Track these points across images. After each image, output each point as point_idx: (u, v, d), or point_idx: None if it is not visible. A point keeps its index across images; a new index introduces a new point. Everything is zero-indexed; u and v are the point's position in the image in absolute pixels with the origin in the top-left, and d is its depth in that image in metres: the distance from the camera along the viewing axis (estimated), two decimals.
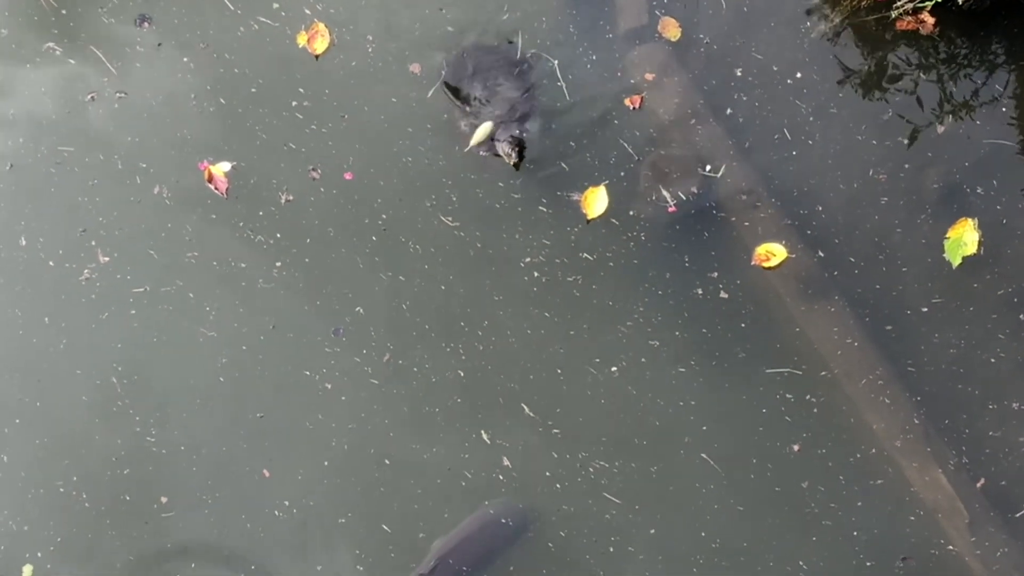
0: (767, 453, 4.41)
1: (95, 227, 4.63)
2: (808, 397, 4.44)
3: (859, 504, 4.34)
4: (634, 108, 4.82)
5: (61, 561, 4.32)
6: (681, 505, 4.38)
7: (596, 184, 4.66)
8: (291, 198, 4.66)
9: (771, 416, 4.43)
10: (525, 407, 4.44)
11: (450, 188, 4.70)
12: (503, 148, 4.79)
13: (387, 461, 4.39)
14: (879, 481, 4.36)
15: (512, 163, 4.75)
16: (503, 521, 4.37)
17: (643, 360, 4.50)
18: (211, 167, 4.65)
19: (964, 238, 4.58)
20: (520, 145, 4.76)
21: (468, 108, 4.83)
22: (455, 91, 4.82)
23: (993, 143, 4.70)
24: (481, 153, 4.72)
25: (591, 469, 4.38)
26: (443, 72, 4.84)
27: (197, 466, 4.41)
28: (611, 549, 4.32)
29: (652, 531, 4.33)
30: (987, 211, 4.62)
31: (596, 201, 4.66)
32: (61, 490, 4.38)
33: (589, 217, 4.63)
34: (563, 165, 4.73)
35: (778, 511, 4.36)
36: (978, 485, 4.32)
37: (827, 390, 4.46)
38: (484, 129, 4.71)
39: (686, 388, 4.47)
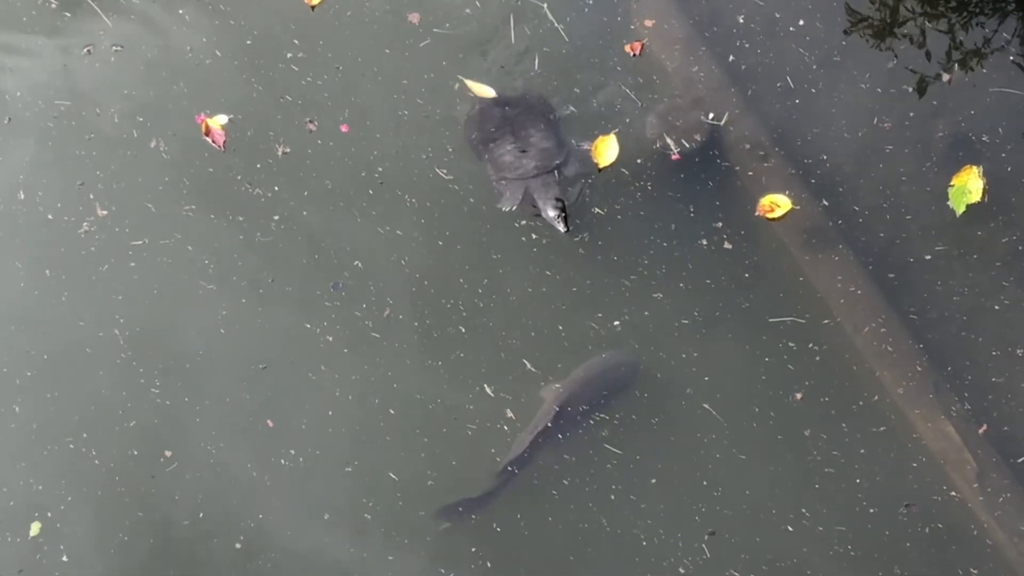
0: (769, 402, 4.48)
1: (93, 180, 4.72)
2: (811, 346, 4.51)
3: (862, 452, 4.42)
4: (635, 55, 4.88)
5: (70, 520, 4.40)
6: (682, 455, 4.47)
7: (605, 132, 4.73)
8: (288, 151, 4.75)
9: (773, 365, 4.51)
10: (527, 363, 4.52)
11: (446, 140, 4.77)
12: (548, 213, 4.69)
13: (391, 411, 4.48)
14: (882, 428, 4.44)
15: (562, 229, 4.65)
16: (618, 367, 4.51)
17: (646, 313, 4.58)
18: (208, 120, 4.73)
19: (969, 186, 4.64)
20: (564, 207, 4.66)
21: (500, 167, 4.76)
22: (481, 148, 4.79)
23: (1000, 91, 4.76)
24: (516, 215, 4.65)
25: (592, 421, 4.46)
26: (467, 129, 4.80)
27: (201, 417, 4.49)
28: (612, 497, 4.41)
29: (653, 480, 4.42)
30: (992, 159, 4.68)
31: (607, 149, 4.73)
32: (71, 447, 4.47)
33: (601, 166, 4.70)
34: (572, 109, 4.81)
35: (780, 459, 4.45)
36: (980, 431, 4.39)
37: (830, 338, 4.54)
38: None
39: (688, 340, 4.54)
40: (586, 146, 4.73)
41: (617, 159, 4.71)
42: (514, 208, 4.65)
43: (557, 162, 4.76)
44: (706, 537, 4.33)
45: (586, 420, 4.45)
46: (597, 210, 4.68)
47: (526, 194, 4.68)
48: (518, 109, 4.82)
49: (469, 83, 4.81)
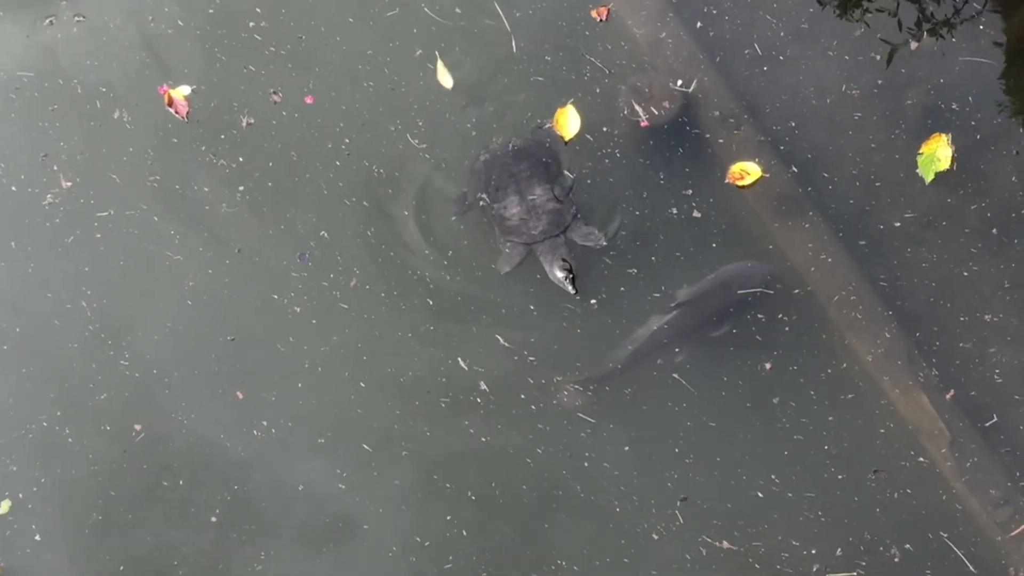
0: (738, 371, 4.59)
1: (56, 152, 4.76)
2: (780, 315, 4.62)
3: (830, 419, 4.54)
4: (601, 20, 4.94)
5: (41, 499, 4.46)
6: (654, 423, 4.57)
7: (563, 104, 4.78)
8: (252, 121, 4.80)
9: (742, 336, 4.61)
10: (499, 338, 4.61)
11: (416, 112, 4.82)
12: (555, 275, 4.66)
13: (362, 384, 4.56)
14: (850, 396, 4.56)
15: (571, 291, 4.63)
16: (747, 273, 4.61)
17: (622, 289, 4.67)
18: (171, 91, 4.78)
19: (938, 154, 4.74)
20: (571, 268, 4.63)
21: (505, 230, 4.69)
22: (484, 206, 4.72)
23: (969, 60, 4.86)
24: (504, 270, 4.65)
25: (565, 392, 4.57)
26: (470, 184, 4.75)
27: (170, 389, 4.57)
28: (586, 464, 4.51)
29: (626, 448, 4.53)
30: (962, 127, 4.79)
31: (568, 121, 4.79)
32: (45, 424, 4.52)
33: (566, 139, 4.77)
34: (539, 78, 4.86)
35: (749, 427, 4.56)
36: (948, 397, 4.52)
37: (799, 307, 4.65)
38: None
39: (659, 312, 4.62)
40: (547, 125, 4.78)
41: (582, 128, 4.76)
42: (511, 269, 4.63)
43: (564, 225, 4.70)
44: (678, 504, 4.45)
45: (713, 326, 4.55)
46: (567, 172, 4.77)
47: (530, 255, 4.73)
48: (523, 164, 4.73)
49: (439, 67, 4.86)
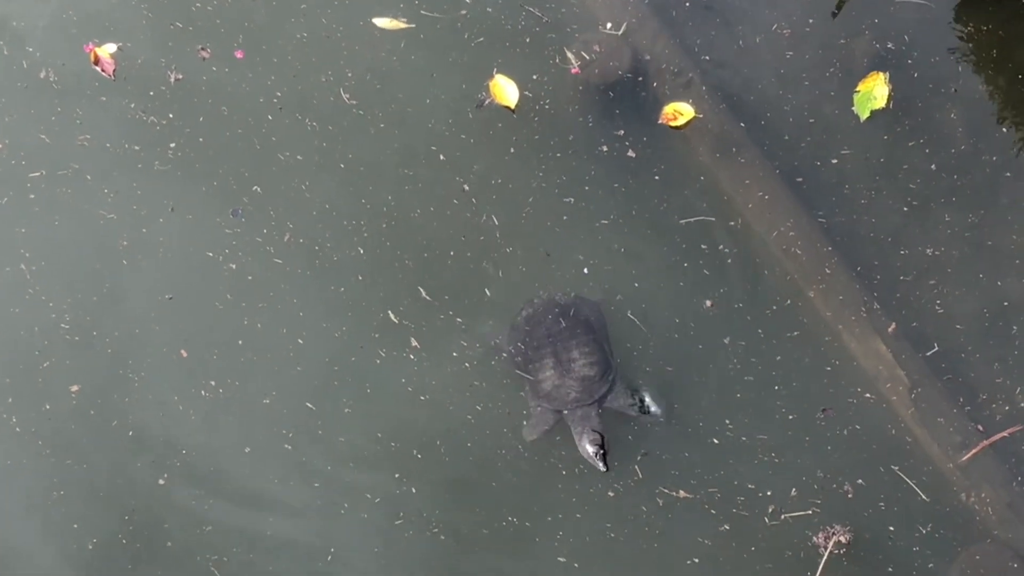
0: (688, 311, 4.79)
1: None
2: (722, 248, 4.84)
3: (778, 358, 4.75)
4: None
5: None
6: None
7: (511, 57, 4.96)
8: (180, 77, 4.98)
9: (690, 271, 4.81)
10: (422, 290, 4.78)
11: (346, 63, 5.02)
12: (586, 450, 4.61)
13: (300, 341, 4.73)
14: (795, 333, 4.78)
15: (601, 468, 4.58)
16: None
17: (565, 218, 4.86)
18: (97, 49, 4.96)
19: (874, 92, 4.99)
20: (603, 442, 4.57)
21: (538, 393, 4.64)
22: (522, 366, 4.70)
23: (905, 1, 5.10)
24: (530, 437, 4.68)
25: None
26: (509, 340, 4.73)
27: (112, 348, 4.72)
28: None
29: None
30: (898, 66, 5.04)
31: (505, 91, 4.93)
32: None
33: (512, 108, 4.92)
34: (481, 39, 5.03)
35: (703, 369, 4.76)
36: (890, 329, 4.74)
37: (740, 243, 4.87)
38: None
39: (607, 245, 4.81)
40: (487, 100, 4.94)
41: (520, 88, 4.97)
42: (537, 436, 4.66)
43: (600, 394, 4.67)
44: (639, 458, 4.63)
45: None
46: (492, 132, 4.92)
47: (560, 422, 4.70)
48: (563, 324, 4.69)
49: (380, 23, 5.05)
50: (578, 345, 4.66)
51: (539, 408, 4.67)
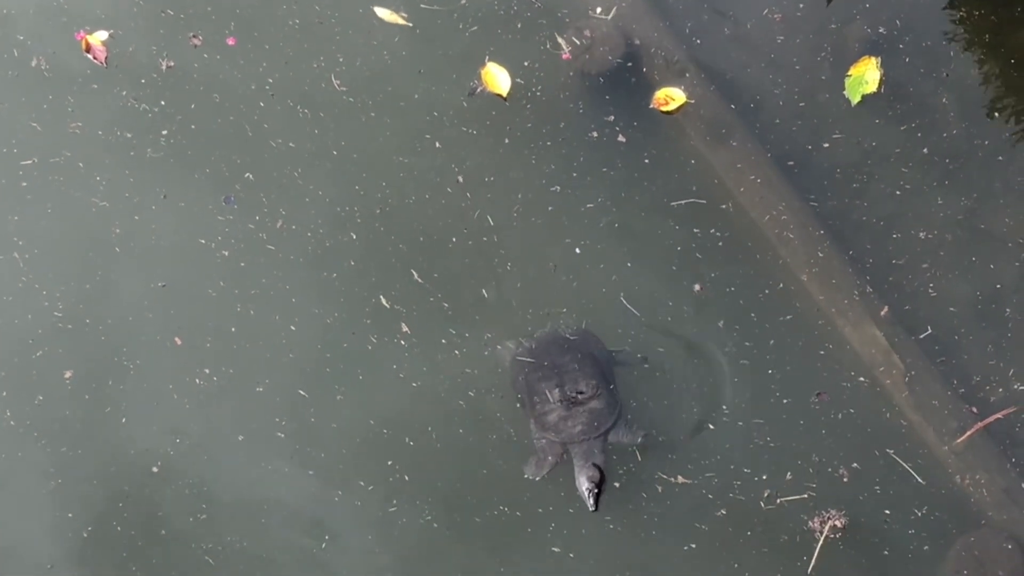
0: (681, 295, 4.81)
1: None
2: (713, 231, 4.87)
3: (771, 342, 4.79)
4: None
5: None
6: None
7: (506, 44, 4.99)
8: (172, 64, 5.02)
9: (682, 255, 4.84)
10: (414, 272, 4.81)
11: (337, 48, 5.06)
12: (581, 486, 4.58)
13: (292, 328, 4.77)
14: (789, 317, 4.81)
15: (590, 507, 4.55)
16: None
17: (550, 209, 4.89)
18: (88, 36, 5.00)
19: (866, 76, 5.03)
20: (600, 482, 4.54)
21: (543, 425, 4.60)
22: (526, 397, 4.70)
23: None
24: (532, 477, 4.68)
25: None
26: (513, 372, 4.73)
27: (106, 336, 4.76)
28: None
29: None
30: (890, 51, 5.07)
31: (496, 79, 4.98)
32: None
33: (504, 96, 4.97)
34: (474, 28, 5.06)
35: (699, 354, 4.79)
36: (882, 312, 4.77)
37: (731, 226, 4.89)
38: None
39: (595, 226, 4.85)
40: (479, 88, 4.98)
41: (513, 78, 4.99)
42: (543, 475, 4.64)
43: (607, 427, 4.66)
44: (639, 440, 4.64)
45: None
46: (487, 121, 4.96)
47: (565, 456, 4.67)
48: (568, 357, 4.70)
49: (380, 12, 5.08)
50: (584, 378, 4.65)
51: (543, 440, 4.65)
